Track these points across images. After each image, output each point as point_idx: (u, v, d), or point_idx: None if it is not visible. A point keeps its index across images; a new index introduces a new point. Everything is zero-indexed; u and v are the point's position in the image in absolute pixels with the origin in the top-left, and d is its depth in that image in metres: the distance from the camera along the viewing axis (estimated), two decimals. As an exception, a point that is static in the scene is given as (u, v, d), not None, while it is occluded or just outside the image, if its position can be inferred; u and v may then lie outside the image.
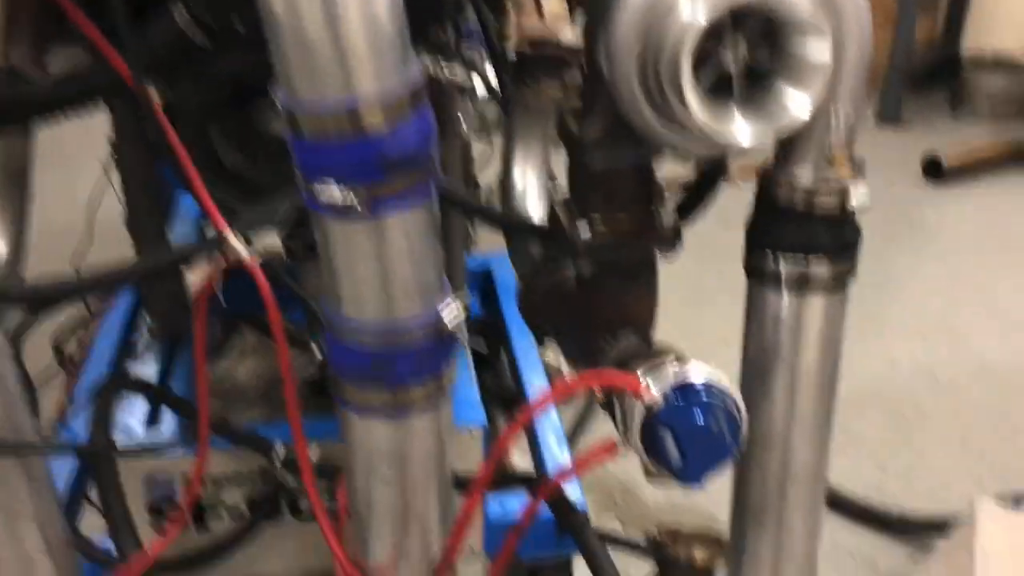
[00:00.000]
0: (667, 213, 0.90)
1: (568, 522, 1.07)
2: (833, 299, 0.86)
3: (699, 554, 1.41)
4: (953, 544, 1.64)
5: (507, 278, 2.06)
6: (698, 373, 0.78)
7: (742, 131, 0.76)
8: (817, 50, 0.74)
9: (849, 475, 1.96)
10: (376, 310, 0.78)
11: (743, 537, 0.96)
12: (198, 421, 1.23)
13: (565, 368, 2.19)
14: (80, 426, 1.30)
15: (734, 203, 2.04)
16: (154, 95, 0.98)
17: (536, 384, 1.81)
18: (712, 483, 0.79)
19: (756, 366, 0.89)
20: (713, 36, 0.74)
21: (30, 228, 1.03)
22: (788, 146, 0.83)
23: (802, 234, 0.83)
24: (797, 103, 0.76)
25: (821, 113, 0.79)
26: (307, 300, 1.14)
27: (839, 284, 0.85)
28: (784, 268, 0.84)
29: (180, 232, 1.86)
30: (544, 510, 1.17)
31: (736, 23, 0.74)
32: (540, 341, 1.94)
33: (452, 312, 0.80)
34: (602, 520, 1.93)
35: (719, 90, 0.76)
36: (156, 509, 1.41)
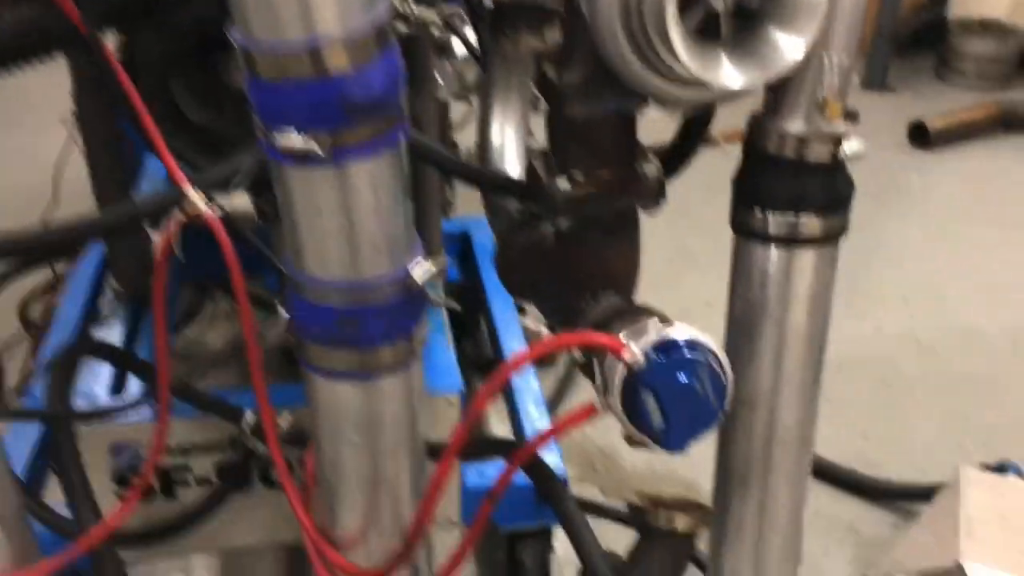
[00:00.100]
0: (650, 166, 0.85)
1: (546, 490, 1.04)
2: (823, 254, 0.82)
3: (681, 521, 1.39)
4: (937, 511, 1.63)
5: (485, 241, 2.02)
6: (681, 332, 0.73)
7: (730, 76, 0.71)
8: (811, -11, 0.69)
9: (832, 442, 1.95)
10: (341, 267, 0.73)
11: (727, 502, 0.93)
12: (175, 386, 1.19)
13: (545, 333, 2.15)
14: (42, 392, 1.25)
15: (717, 166, 2.00)
16: (112, 45, 0.92)
17: (515, 349, 1.78)
18: (694, 449, 0.75)
19: (742, 324, 0.85)
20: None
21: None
22: (778, 93, 0.78)
23: (792, 185, 0.78)
24: (789, 47, 0.72)
25: (814, 58, 0.74)
26: (275, 262, 1.10)
27: (830, 238, 0.81)
28: (773, 221, 0.80)
29: (147, 192, 1.80)
30: (522, 478, 1.14)
31: (725, -40, 0.70)
32: (520, 306, 1.91)
33: (422, 269, 0.75)
34: (582, 488, 1.90)
35: (706, 32, 0.72)
36: (122, 478, 1.37)
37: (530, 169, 0.89)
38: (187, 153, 1.28)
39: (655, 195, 0.85)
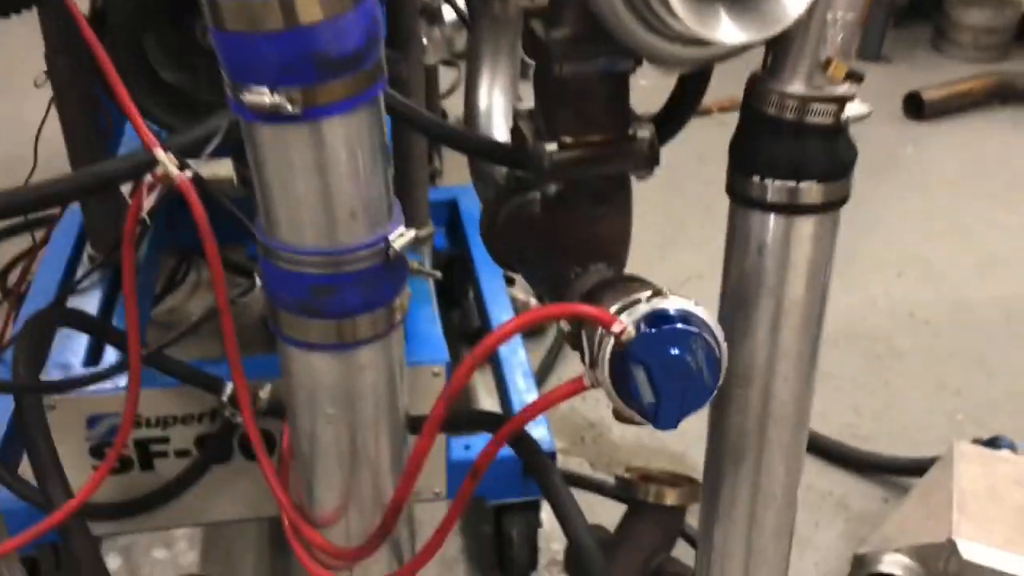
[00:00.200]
0: (643, 130, 0.81)
1: (532, 465, 1.01)
2: (824, 223, 0.78)
3: (670, 495, 1.37)
4: (929, 486, 1.61)
5: (474, 209, 1.98)
6: (674, 304, 0.70)
7: (729, 32, 0.67)
8: (814, -61, 0.65)
9: (823, 415, 1.92)
10: (316, 233, 0.70)
11: (719, 479, 0.90)
12: (140, 356, 1.15)
13: (534, 303, 2.13)
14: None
15: (710, 135, 1.96)
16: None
17: (503, 320, 1.75)
18: (685, 422, 0.72)
19: (737, 296, 0.82)
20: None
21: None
22: (779, 52, 0.74)
23: (792, 149, 0.74)
24: (791, 1, 0.67)
25: (817, 13, 0.70)
26: (251, 228, 1.06)
27: (831, 206, 0.77)
28: (771, 187, 0.76)
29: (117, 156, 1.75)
30: (508, 451, 1.11)
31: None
32: (508, 276, 1.88)
33: (402, 238, 0.71)
34: (571, 460, 1.87)
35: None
36: (99, 450, 1.33)
37: (516, 131, 0.84)
38: (162, 116, 1.23)
39: (648, 160, 0.81)
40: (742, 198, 0.79)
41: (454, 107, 2.03)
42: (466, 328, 2.13)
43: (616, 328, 0.68)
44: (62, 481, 0.95)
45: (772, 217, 0.77)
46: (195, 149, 0.91)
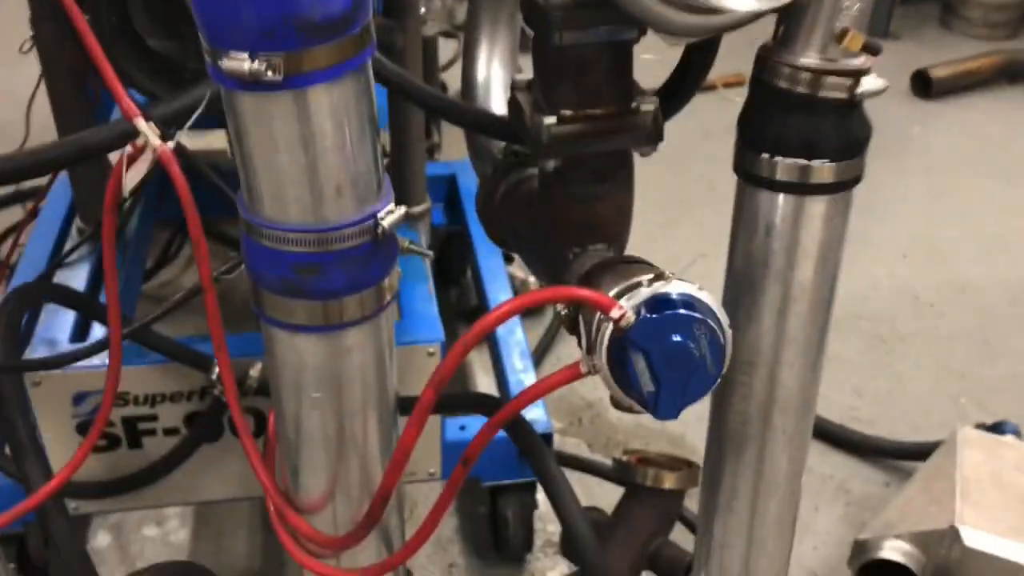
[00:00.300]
0: (647, 104, 0.77)
1: (527, 449, 0.98)
2: (835, 203, 0.74)
3: (668, 479, 1.34)
4: (932, 471, 1.58)
5: (473, 186, 1.94)
6: (677, 288, 0.66)
7: (739, -1, 0.63)
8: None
9: (824, 398, 1.88)
10: (300, 210, 0.66)
11: (720, 467, 0.87)
12: (126, 332, 1.12)
13: (532, 281, 2.09)
14: None
15: (714, 111, 1.91)
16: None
17: (502, 299, 1.72)
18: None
19: (743, 279, 0.78)
20: None
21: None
22: (791, 21, 0.70)
23: (803, 125, 0.70)
24: (805, -34, 0.63)
25: (832, -20, 0.66)
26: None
27: (843, 186, 0.74)
28: (781, 165, 0.72)
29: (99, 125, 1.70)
30: (504, 432, 1.08)
31: None
32: (507, 255, 1.84)
33: (392, 215, 0.68)
34: (568, 441, 1.85)
35: (713, -50, 0.63)
36: (86, 428, 1.31)
37: (513, 104, 0.80)
38: (149, 84, 1.20)
39: (651, 136, 0.77)
40: (750, 176, 0.75)
41: (455, 80, 1.99)
42: (464, 306, 2.09)
43: (615, 313, 0.64)
44: (40, 461, 0.92)
45: (781, 197, 0.74)
46: (179, 119, 0.87)
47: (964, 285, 2.35)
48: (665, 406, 0.65)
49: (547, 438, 1.44)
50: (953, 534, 1.39)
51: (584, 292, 0.67)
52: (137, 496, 1.36)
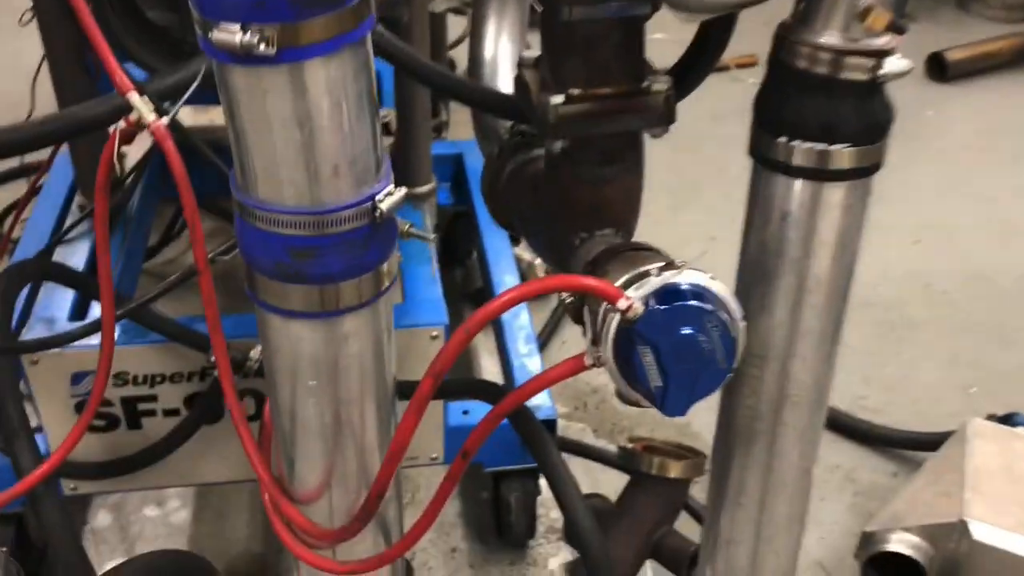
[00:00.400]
0: (659, 83, 0.74)
1: (528, 437, 0.95)
2: (855, 190, 0.71)
3: (674, 468, 1.32)
4: (941, 463, 1.56)
5: (480, 165, 1.92)
6: (688, 278, 0.63)
7: (757, -26, 0.60)
8: None
9: (832, 386, 1.86)
10: (295, 191, 0.63)
11: (728, 461, 0.84)
12: (125, 311, 1.10)
13: (539, 264, 2.06)
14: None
15: (726, 93, 1.87)
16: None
17: (508, 281, 1.70)
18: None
19: (757, 268, 0.75)
20: None
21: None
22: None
23: (823, 108, 0.67)
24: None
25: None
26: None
27: (863, 172, 0.71)
28: (798, 150, 0.69)
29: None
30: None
31: None
32: (514, 236, 1.81)
33: (391, 198, 0.65)
34: (571, 427, 1.83)
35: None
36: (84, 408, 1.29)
37: (520, 82, 0.77)
38: (148, 58, 1.17)
39: (664, 116, 0.74)
40: (765, 161, 0.72)
41: (465, 59, 1.96)
42: (469, 288, 2.07)
43: (622, 304, 0.61)
44: (30, 445, 0.90)
45: (798, 183, 0.70)
46: (174, 94, 0.85)
47: (977, 272, 2.31)
48: (673, 402, 0.63)
49: (551, 424, 1.42)
50: (962, 528, 1.37)
51: (590, 281, 0.64)
52: (137, 477, 1.34)
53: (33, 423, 1.33)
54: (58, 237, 1.46)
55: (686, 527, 1.29)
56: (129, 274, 1.51)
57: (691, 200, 2.48)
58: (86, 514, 1.63)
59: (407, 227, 0.68)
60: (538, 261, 1.99)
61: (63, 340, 1.07)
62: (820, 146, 0.68)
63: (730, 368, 0.65)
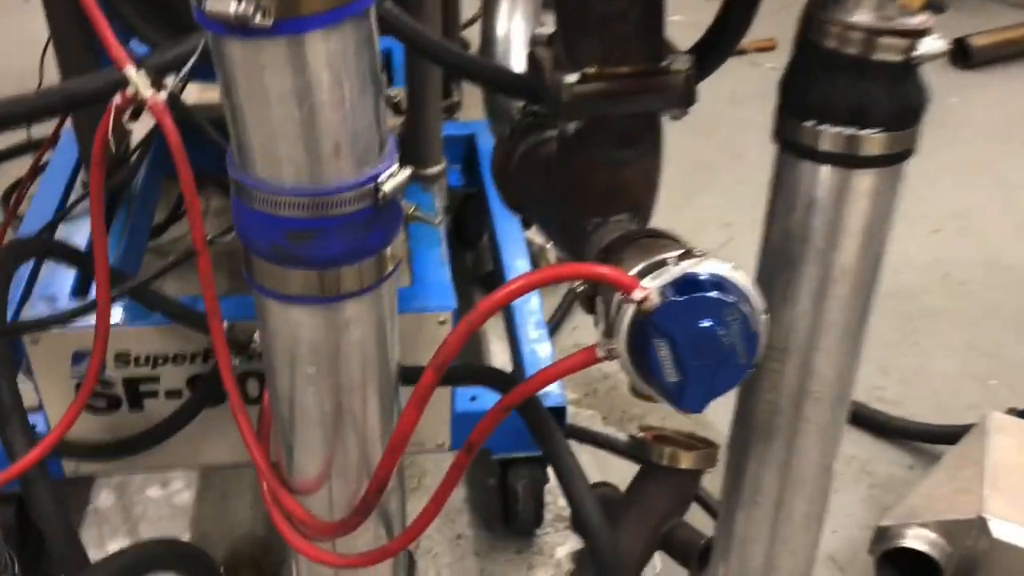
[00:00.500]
0: (679, 62, 0.70)
1: (536, 427, 0.93)
2: (885, 178, 0.68)
3: (685, 459, 1.30)
4: (959, 457, 1.52)
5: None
6: (708, 267, 0.60)
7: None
8: None
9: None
10: (294, 170, 0.60)
11: (744, 458, 0.81)
12: (119, 289, 1.08)
13: (551, 247, 2.02)
14: None
15: (744, 77, 1.82)
16: None
17: (518, 266, 1.67)
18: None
19: (779, 258, 0.71)
20: None
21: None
22: (843, -26, 0.63)
23: (853, 90, 0.63)
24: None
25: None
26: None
27: (895, 159, 0.67)
28: (826, 134, 0.65)
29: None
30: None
31: None
32: (525, 221, 1.78)
33: (394, 179, 0.62)
34: (581, 413, 1.80)
35: None
36: (85, 388, 1.27)
37: (532, 59, 0.74)
38: (151, 33, 1.14)
39: (683, 98, 0.70)
40: (791, 146, 0.68)
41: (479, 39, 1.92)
42: (479, 271, 2.04)
43: (638, 294, 0.58)
44: (22, 427, 0.88)
45: (825, 169, 0.67)
46: (173, 68, 0.82)
47: (998, 262, 2.27)
48: (690, 398, 0.59)
49: (560, 411, 1.40)
50: (980, 525, 1.34)
51: (604, 270, 0.60)
52: (138, 459, 1.32)
53: (35, 402, 1.33)
54: (61, 214, 1.43)
55: (697, 519, 1.26)
56: (133, 252, 1.49)
57: (706, 185, 2.44)
58: (89, 494, 1.61)
59: (412, 209, 0.65)
60: (549, 245, 1.96)
61: (53, 321, 1.05)
62: (849, 131, 0.65)
63: (751, 364, 0.61)
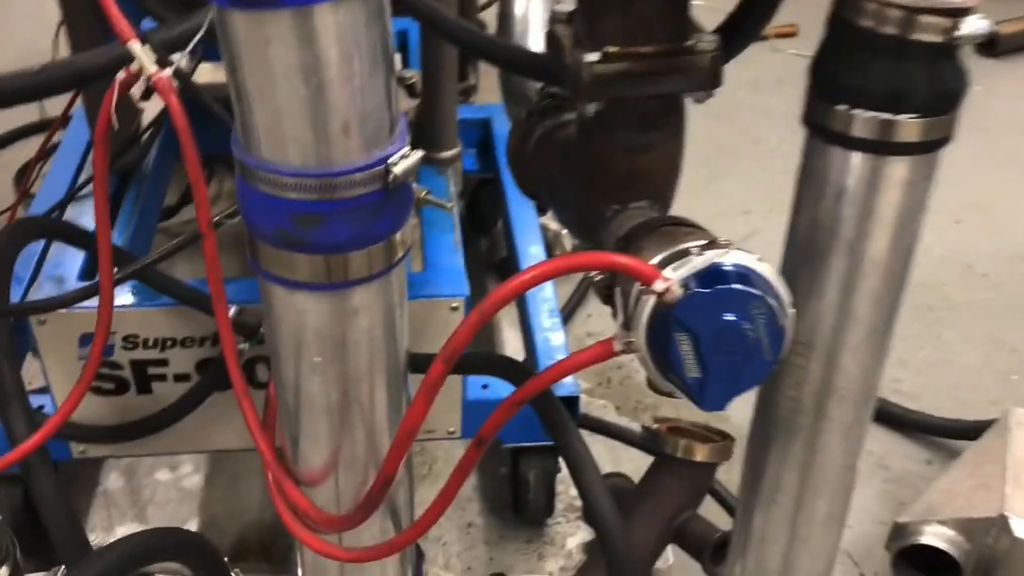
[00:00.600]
0: (704, 42, 0.67)
1: (547, 418, 0.90)
2: (920, 166, 0.64)
3: (700, 451, 1.27)
4: (980, 454, 1.49)
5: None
6: (733, 258, 0.57)
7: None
8: None
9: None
10: (300, 151, 0.58)
11: (764, 455, 0.78)
12: (121, 273, 1.06)
13: (566, 234, 1.99)
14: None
15: (765, 62, 1.78)
16: None
17: (533, 252, 1.64)
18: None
19: (806, 249, 0.68)
20: None
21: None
22: (881, -51, 0.60)
23: (889, 73, 0.60)
24: None
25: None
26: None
27: (931, 146, 0.64)
28: (859, 119, 0.62)
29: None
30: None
31: None
32: (540, 206, 1.75)
33: (405, 160, 0.59)
34: (594, 403, 1.78)
35: None
36: (93, 370, 1.25)
37: (551, 38, 0.71)
38: (159, 8, 1.11)
39: (708, 79, 0.67)
40: (821, 131, 0.65)
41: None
42: (493, 258, 2.01)
43: (659, 286, 0.55)
44: (24, 410, 0.86)
45: (856, 156, 0.63)
46: (180, 44, 0.79)
47: (1020, 254, 2.23)
48: (711, 396, 0.57)
49: (573, 401, 1.37)
50: (1001, 523, 1.31)
51: (623, 259, 0.58)
52: (146, 442, 1.31)
53: (42, 384, 1.31)
54: (70, 194, 1.42)
55: (711, 513, 1.24)
56: (142, 234, 1.47)
57: (725, 171, 2.40)
58: (98, 476, 1.60)
59: (424, 194, 0.62)
60: (565, 231, 1.93)
61: (55, 303, 1.03)
62: (884, 116, 0.61)
63: (776, 360, 0.59)
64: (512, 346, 1.79)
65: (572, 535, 1.56)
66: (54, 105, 1.80)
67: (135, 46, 0.70)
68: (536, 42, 0.98)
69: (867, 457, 1.72)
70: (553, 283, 1.59)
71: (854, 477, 0.78)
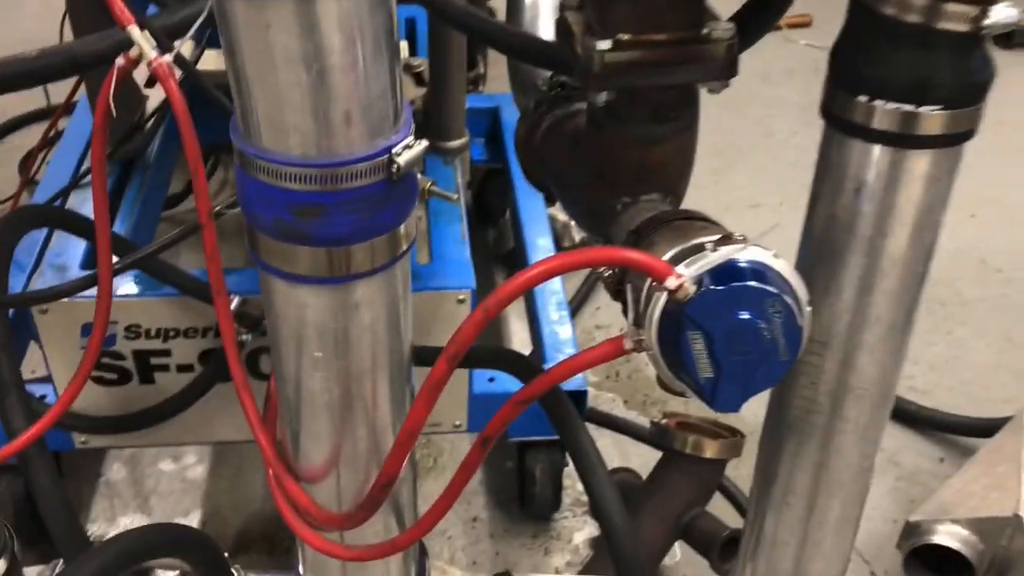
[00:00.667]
0: (720, 31, 0.65)
1: (554, 413, 0.88)
2: (943, 160, 0.62)
3: (709, 447, 1.26)
4: (994, 452, 1.47)
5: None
6: (748, 254, 0.55)
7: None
8: None
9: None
10: (301, 139, 0.56)
11: (776, 456, 0.76)
12: (120, 263, 1.05)
13: (574, 225, 1.97)
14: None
15: (776, 53, 1.75)
16: None
17: (541, 244, 1.62)
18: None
19: (823, 245, 0.66)
20: None
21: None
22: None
23: (913, 63, 0.58)
24: None
25: None
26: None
27: (954, 140, 0.61)
28: (880, 111, 0.60)
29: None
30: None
31: None
32: (548, 198, 1.74)
33: (409, 150, 0.57)
34: (602, 396, 1.76)
35: None
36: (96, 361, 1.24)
37: (562, 25, 0.69)
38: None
39: (724, 69, 0.65)
40: (840, 123, 0.63)
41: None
42: (501, 249, 1.99)
43: (672, 283, 0.53)
44: (21, 402, 0.85)
45: (877, 149, 0.61)
46: (181, 30, 0.77)
47: (1036, 251, 2.20)
48: (724, 396, 0.55)
49: (581, 395, 1.36)
50: (1016, 523, 1.29)
51: (634, 255, 0.55)
52: (148, 433, 1.30)
53: (43, 373, 1.30)
54: (73, 182, 1.40)
55: (719, 509, 1.22)
56: (146, 222, 1.46)
57: (735, 163, 2.38)
58: (101, 466, 1.59)
59: (430, 184, 0.60)
60: (574, 223, 1.91)
61: (55, 292, 1.01)
62: (906, 107, 0.59)
63: (792, 360, 0.56)
64: (519, 338, 1.78)
65: (579, 530, 1.54)
66: (59, 92, 1.80)
67: (134, 31, 0.68)
68: (546, 30, 0.96)
69: (878, 454, 1.69)
70: (561, 276, 1.57)
71: (869, 479, 0.76)
